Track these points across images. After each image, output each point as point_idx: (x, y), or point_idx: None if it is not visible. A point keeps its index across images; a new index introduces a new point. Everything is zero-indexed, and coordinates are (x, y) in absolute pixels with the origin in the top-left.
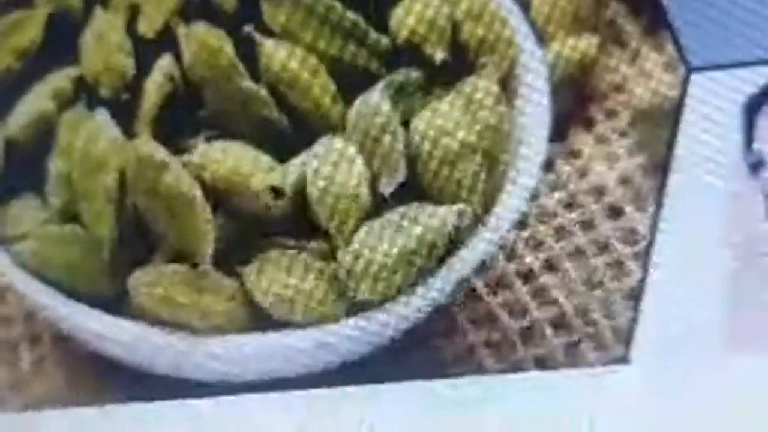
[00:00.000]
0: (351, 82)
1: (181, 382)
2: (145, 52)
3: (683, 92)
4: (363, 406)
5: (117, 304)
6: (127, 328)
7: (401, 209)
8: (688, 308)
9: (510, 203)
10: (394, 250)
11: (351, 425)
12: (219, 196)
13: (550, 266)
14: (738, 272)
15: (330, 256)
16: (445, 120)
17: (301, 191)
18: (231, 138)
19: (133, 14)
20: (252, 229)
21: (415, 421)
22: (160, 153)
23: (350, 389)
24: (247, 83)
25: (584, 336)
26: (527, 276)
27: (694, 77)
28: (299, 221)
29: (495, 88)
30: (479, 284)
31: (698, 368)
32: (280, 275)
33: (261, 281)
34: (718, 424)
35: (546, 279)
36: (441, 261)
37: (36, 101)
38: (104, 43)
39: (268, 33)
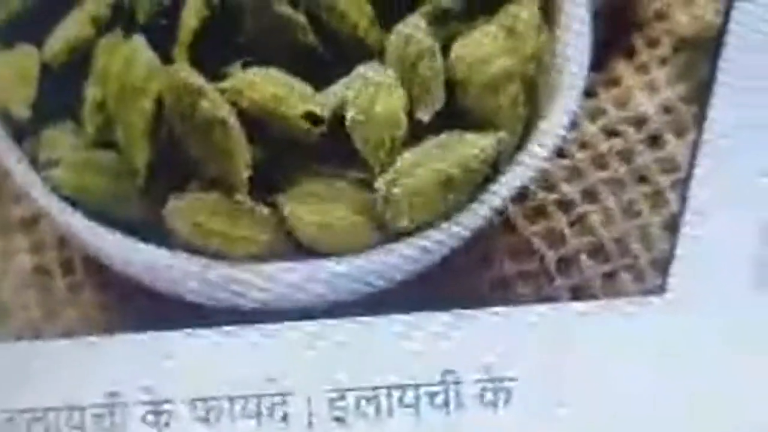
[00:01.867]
0: (390, 9)
1: (214, 310)
2: None
3: (726, 20)
4: (396, 333)
5: (152, 230)
6: (161, 256)
7: (440, 137)
8: (725, 239)
9: (549, 131)
10: (431, 178)
11: (385, 352)
12: (256, 123)
13: (588, 196)
14: None
15: (368, 183)
16: (485, 47)
17: (338, 118)
18: (268, 65)
19: None
20: (289, 157)
21: (450, 346)
22: (197, 79)
23: (385, 317)
24: (285, 8)
25: (621, 265)
26: (565, 205)
27: (738, 4)
28: (337, 149)
29: (535, 16)
30: (516, 213)
31: (733, 298)
32: (316, 203)
33: (297, 209)
34: (752, 354)
35: (584, 208)
36: (478, 189)
37: (73, 26)
38: None
39: None
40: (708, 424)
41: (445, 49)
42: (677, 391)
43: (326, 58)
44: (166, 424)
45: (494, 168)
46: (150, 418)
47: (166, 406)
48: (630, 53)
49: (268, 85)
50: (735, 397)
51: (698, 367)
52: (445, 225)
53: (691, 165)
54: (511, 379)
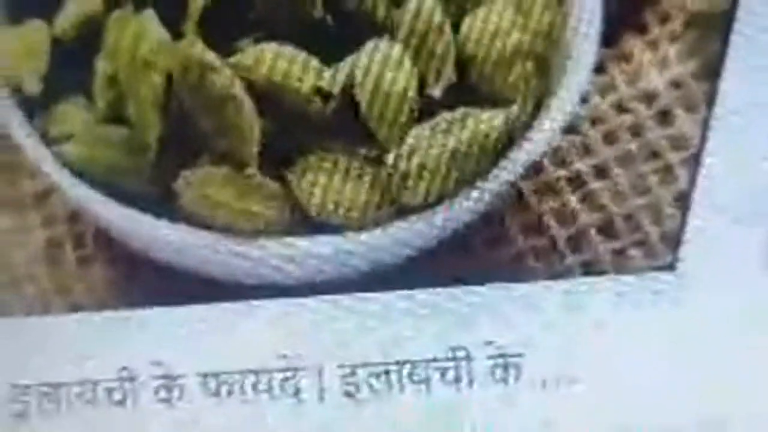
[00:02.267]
0: None
1: (224, 285)
2: None
3: None
4: (407, 309)
5: (162, 205)
6: (172, 230)
7: (451, 112)
8: (736, 217)
9: (560, 107)
10: (443, 153)
11: (395, 328)
12: (266, 98)
13: (598, 172)
14: None
15: (378, 159)
16: (497, 22)
17: (349, 94)
18: (279, 40)
19: None
20: (299, 132)
21: (461, 322)
22: (208, 54)
23: (396, 293)
24: None
25: (632, 242)
26: (576, 181)
27: None
28: (347, 124)
29: None
30: (528, 189)
31: (743, 276)
32: (326, 179)
33: (307, 185)
34: (762, 332)
35: (594, 185)
36: (490, 165)
37: (84, 1)
38: None
39: None
40: (719, 400)
41: (456, 25)
42: (688, 367)
43: (337, 33)
44: (178, 399)
45: (505, 144)
46: (162, 392)
47: (178, 381)
48: (641, 29)
49: (278, 60)
50: (745, 374)
51: (709, 344)
52: (456, 201)
53: (702, 141)
54: (522, 356)
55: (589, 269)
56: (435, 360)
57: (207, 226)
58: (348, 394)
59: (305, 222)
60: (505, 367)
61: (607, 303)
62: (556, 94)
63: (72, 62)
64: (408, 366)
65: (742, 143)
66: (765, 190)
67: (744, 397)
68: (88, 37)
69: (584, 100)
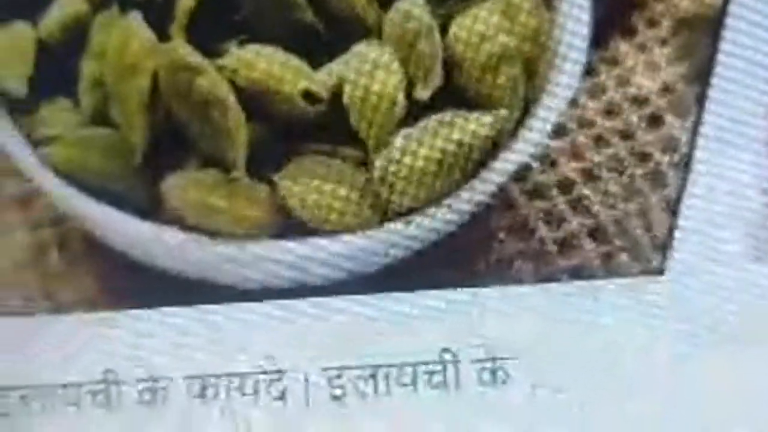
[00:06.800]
0: None
1: (211, 287)
2: None
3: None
4: (394, 312)
5: (149, 208)
6: (158, 233)
7: (438, 115)
8: (726, 219)
9: (548, 110)
10: (430, 157)
11: (383, 331)
12: (253, 100)
13: (588, 176)
14: None
15: (365, 162)
16: (484, 25)
17: (336, 97)
18: (266, 42)
19: None
20: (286, 135)
21: (448, 325)
22: (194, 56)
23: (383, 296)
24: None
25: (621, 246)
26: (565, 185)
27: None
28: (334, 127)
29: None
30: (516, 193)
31: (731, 280)
32: (313, 181)
33: (294, 187)
34: (749, 337)
35: (584, 189)
36: (477, 168)
37: (69, 2)
38: None
39: None
40: (712, 410)
41: (444, 28)
42: (678, 375)
43: (324, 36)
44: (163, 402)
45: (493, 147)
46: (146, 395)
47: (162, 383)
48: (630, 32)
49: (265, 62)
50: (736, 383)
51: (699, 349)
52: (442, 204)
53: (691, 145)
54: (510, 359)
55: (578, 273)
56: (422, 363)
57: (194, 229)
58: (334, 398)
59: (293, 225)
60: (493, 371)
61: (596, 308)
62: (545, 97)
63: (57, 64)
64: (395, 369)
65: (731, 147)
66: (755, 188)
67: (737, 408)
68: (74, 39)
69: (573, 103)
